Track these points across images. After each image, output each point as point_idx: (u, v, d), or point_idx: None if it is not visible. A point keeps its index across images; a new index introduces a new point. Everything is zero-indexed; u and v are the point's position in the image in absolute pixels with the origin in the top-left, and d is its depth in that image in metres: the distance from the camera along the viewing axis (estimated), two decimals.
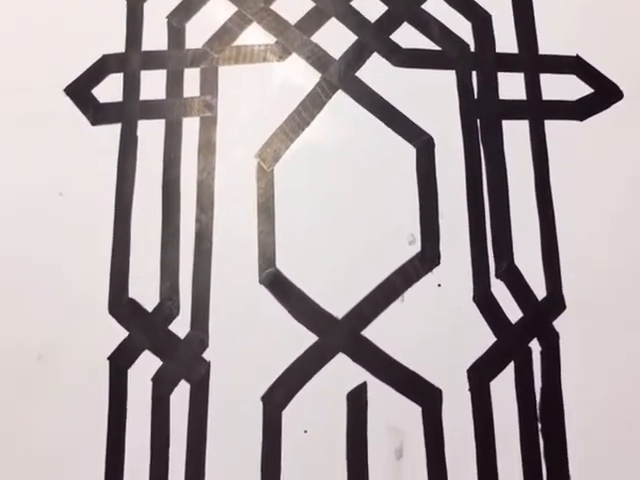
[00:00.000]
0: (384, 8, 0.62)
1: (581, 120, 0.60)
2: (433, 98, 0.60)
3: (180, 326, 0.56)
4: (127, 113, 0.60)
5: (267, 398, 0.54)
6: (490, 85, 0.61)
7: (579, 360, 0.55)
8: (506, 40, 0.62)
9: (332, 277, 0.56)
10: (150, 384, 0.55)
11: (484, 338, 0.55)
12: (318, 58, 0.61)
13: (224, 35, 0.62)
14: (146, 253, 0.57)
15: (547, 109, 0.60)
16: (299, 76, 0.61)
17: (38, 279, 0.57)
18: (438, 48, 0.61)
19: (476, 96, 0.60)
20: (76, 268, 0.57)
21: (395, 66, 0.61)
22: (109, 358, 0.55)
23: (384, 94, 0.60)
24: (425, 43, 0.62)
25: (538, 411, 0.54)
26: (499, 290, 0.56)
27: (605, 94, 0.61)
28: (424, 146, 0.59)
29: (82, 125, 0.60)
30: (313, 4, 0.62)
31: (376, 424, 0.53)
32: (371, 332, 0.55)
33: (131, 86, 0.61)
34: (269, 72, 0.61)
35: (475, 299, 0.56)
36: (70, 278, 0.57)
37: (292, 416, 0.54)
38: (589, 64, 0.61)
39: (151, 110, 0.60)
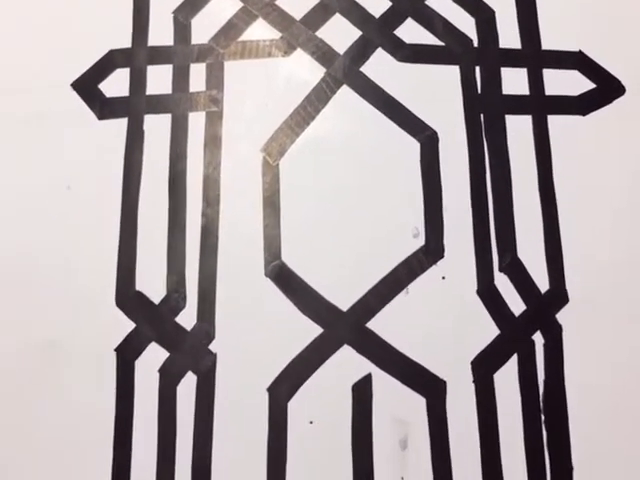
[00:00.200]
0: (388, 4, 0.63)
1: (584, 115, 0.60)
2: (437, 93, 0.61)
3: (187, 318, 0.56)
4: (134, 108, 0.61)
5: (273, 389, 0.54)
6: (493, 80, 0.61)
7: (582, 352, 0.55)
8: (509, 36, 0.62)
9: (337, 270, 0.57)
10: (157, 375, 0.55)
11: (488, 330, 0.56)
12: (323, 53, 0.61)
13: (230, 30, 0.62)
14: (153, 246, 0.58)
15: (550, 104, 0.61)
16: (304, 71, 0.61)
17: (46, 272, 0.57)
18: (442, 44, 0.62)
19: (480, 91, 0.61)
20: (84, 261, 0.57)
21: (399, 61, 0.61)
22: (116, 350, 0.55)
23: (388, 89, 0.60)
24: (429, 39, 0.62)
25: (541, 403, 0.54)
26: (502, 283, 0.57)
27: (607, 89, 0.61)
28: (428, 141, 0.59)
29: (89, 119, 0.61)
30: (318, 0, 0.63)
31: (381, 415, 0.54)
32: (376, 324, 0.56)
33: (138, 81, 0.61)
34: (274, 67, 0.62)
35: (479, 292, 0.56)
36: (78, 271, 0.57)
37: (298, 407, 0.54)
38: (592, 59, 0.62)
39: (157, 105, 0.61)
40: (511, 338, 0.56)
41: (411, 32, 0.62)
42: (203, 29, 0.62)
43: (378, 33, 0.62)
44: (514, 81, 0.61)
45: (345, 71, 0.61)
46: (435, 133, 0.60)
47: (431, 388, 0.54)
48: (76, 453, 0.54)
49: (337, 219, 0.58)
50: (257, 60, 0.62)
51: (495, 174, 0.59)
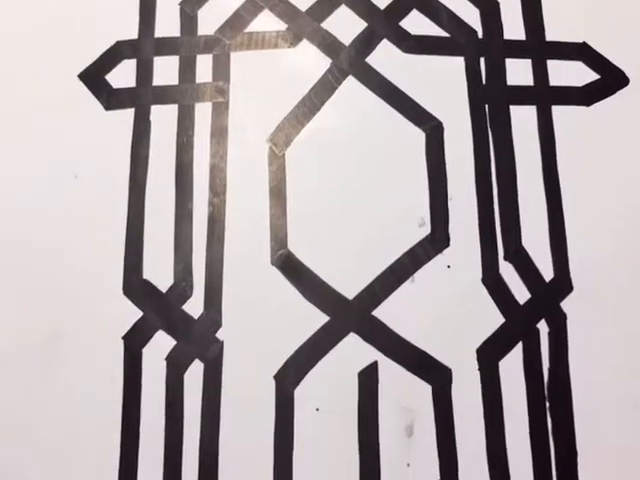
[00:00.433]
0: None
1: (588, 105, 0.61)
2: (442, 84, 0.61)
3: (194, 307, 0.57)
4: (140, 98, 0.61)
5: (280, 377, 0.55)
6: (498, 71, 0.62)
7: (586, 340, 0.56)
8: (514, 27, 0.63)
9: (343, 258, 0.57)
10: (164, 363, 0.55)
11: (493, 319, 0.56)
12: (329, 44, 0.62)
13: (236, 22, 0.63)
14: (160, 235, 0.58)
15: (554, 95, 0.61)
16: (310, 62, 0.62)
17: (54, 260, 0.58)
18: (447, 35, 0.62)
19: (484, 82, 0.61)
20: (91, 250, 0.58)
21: (404, 52, 0.62)
22: (124, 337, 0.56)
23: (394, 80, 0.61)
24: (434, 30, 0.62)
25: (546, 390, 0.55)
26: (507, 272, 0.57)
27: (611, 80, 0.62)
28: (433, 131, 0.60)
29: (96, 110, 0.61)
30: None
31: (387, 402, 0.54)
32: (382, 312, 0.56)
33: (144, 72, 0.62)
34: (280, 58, 0.62)
35: (484, 280, 0.57)
36: (85, 259, 0.57)
37: (304, 394, 0.54)
38: (595, 51, 0.62)
39: (164, 95, 0.61)
40: (516, 326, 0.56)
41: (416, 23, 0.62)
42: (209, 20, 0.63)
43: (383, 24, 0.62)
44: (518, 72, 0.62)
45: (351, 62, 0.61)
46: (440, 123, 0.60)
47: (437, 375, 0.55)
48: (84, 440, 0.54)
49: (343, 208, 0.58)
50: (263, 51, 0.62)
51: (500, 164, 0.59)
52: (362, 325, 0.56)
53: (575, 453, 0.54)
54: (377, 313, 0.56)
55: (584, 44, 0.62)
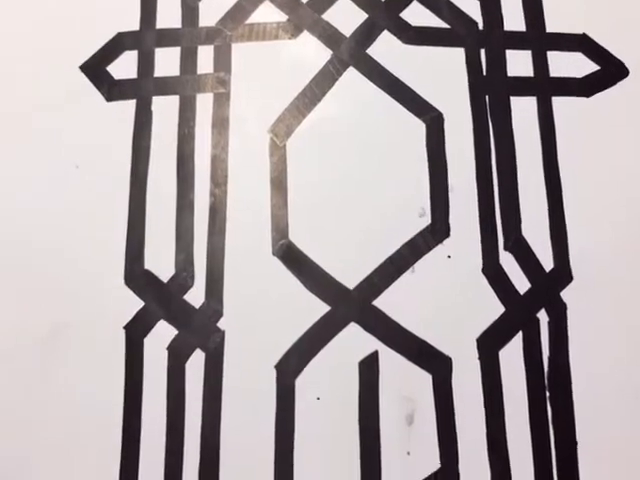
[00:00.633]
0: None
1: (588, 96, 0.61)
2: (442, 75, 0.61)
3: (195, 297, 0.57)
4: (142, 89, 0.61)
5: (281, 366, 0.55)
6: (498, 62, 0.62)
7: (586, 330, 0.56)
8: (514, 18, 0.63)
9: (344, 249, 0.57)
10: (166, 353, 0.56)
11: (493, 308, 0.56)
12: (329, 36, 0.62)
13: (237, 13, 0.63)
14: (161, 226, 0.58)
15: (554, 86, 0.61)
16: (311, 53, 0.62)
17: (55, 251, 0.58)
18: (447, 26, 0.62)
19: (485, 73, 0.61)
20: (93, 240, 0.58)
21: (405, 44, 0.62)
22: (125, 327, 0.56)
23: (394, 71, 0.61)
24: (434, 21, 0.63)
25: (546, 379, 0.55)
26: (507, 262, 0.57)
27: (611, 71, 0.62)
28: (434, 122, 0.60)
29: (97, 101, 0.61)
30: None
31: (387, 391, 0.54)
32: (382, 302, 0.56)
33: (146, 63, 0.62)
34: (281, 49, 0.62)
35: (484, 270, 0.57)
36: (87, 250, 0.58)
37: (305, 384, 0.55)
38: (595, 42, 0.62)
39: (165, 86, 0.61)
40: (516, 316, 0.56)
41: (417, 15, 0.63)
42: (210, 12, 0.63)
43: (384, 16, 0.63)
44: (519, 63, 0.62)
45: (351, 53, 0.62)
46: (441, 114, 0.60)
47: (437, 365, 0.55)
48: (85, 432, 0.54)
49: (344, 199, 0.59)
50: (264, 42, 0.62)
51: (500, 154, 0.59)
52: (363, 315, 0.56)
53: (575, 442, 0.54)
54: (378, 303, 0.56)
55: (584, 35, 0.63)
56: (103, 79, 0.62)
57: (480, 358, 0.55)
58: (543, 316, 0.56)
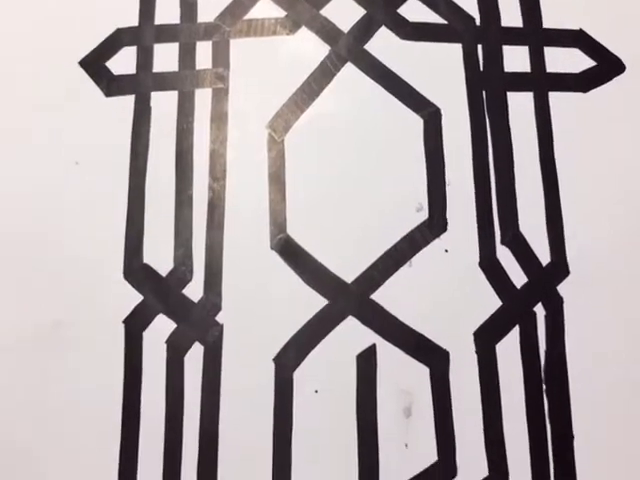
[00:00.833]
0: None
1: (584, 92, 0.61)
2: (440, 70, 0.62)
3: (193, 291, 0.57)
4: (141, 85, 0.62)
5: (279, 359, 0.55)
6: (495, 58, 0.62)
7: (582, 324, 0.56)
8: (511, 14, 0.63)
9: (342, 243, 0.58)
10: (164, 346, 0.56)
11: (490, 302, 0.57)
12: (327, 31, 0.62)
13: (235, 9, 0.63)
14: (160, 220, 0.58)
15: (551, 81, 0.62)
16: (309, 49, 0.62)
17: (55, 246, 0.58)
18: (444, 22, 0.63)
19: (482, 68, 0.62)
20: (92, 234, 0.58)
21: (403, 39, 0.62)
22: (124, 321, 0.56)
23: (392, 66, 0.61)
24: (432, 17, 0.63)
25: (542, 372, 0.55)
26: (504, 256, 0.58)
27: (607, 67, 0.62)
28: (431, 117, 0.60)
29: (96, 96, 0.62)
30: None
31: (385, 384, 0.55)
32: (380, 296, 0.57)
33: (144, 59, 0.62)
34: (280, 45, 0.63)
35: (481, 264, 0.57)
36: (86, 244, 0.58)
37: (303, 377, 0.55)
38: (592, 38, 0.63)
39: (164, 82, 0.62)
40: (513, 310, 0.57)
41: (414, 10, 0.63)
42: (209, 8, 0.63)
43: (382, 12, 0.63)
44: (516, 59, 0.62)
45: (349, 49, 0.62)
46: (438, 109, 0.60)
47: (434, 358, 0.55)
48: (85, 424, 0.55)
49: (341, 193, 0.59)
50: (262, 38, 0.63)
51: (497, 149, 0.60)
52: (361, 309, 0.56)
53: (571, 434, 0.54)
54: (375, 297, 0.57)
55: (581, 31, 0.63)
56: (102, 74, 0.62)
57: (477, 351, 0.56)
58: (540, 310, 0.56)
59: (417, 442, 0.54)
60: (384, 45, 0.62)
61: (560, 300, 0.57)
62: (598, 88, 0.62)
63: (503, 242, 0.58)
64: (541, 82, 0.61)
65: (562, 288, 0.57)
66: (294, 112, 0.61)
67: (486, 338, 0.56)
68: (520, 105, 0.61)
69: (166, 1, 0.64)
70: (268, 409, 0.54)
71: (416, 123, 0.60)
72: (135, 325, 0.56)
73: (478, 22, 0.63)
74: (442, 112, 0.60)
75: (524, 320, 0.56)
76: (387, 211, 0.59)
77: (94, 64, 0.62)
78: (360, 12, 0.63)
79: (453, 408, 0.54)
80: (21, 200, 0.59)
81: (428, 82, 0.61)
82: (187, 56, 0.62)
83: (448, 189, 0.59)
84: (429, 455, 0.54)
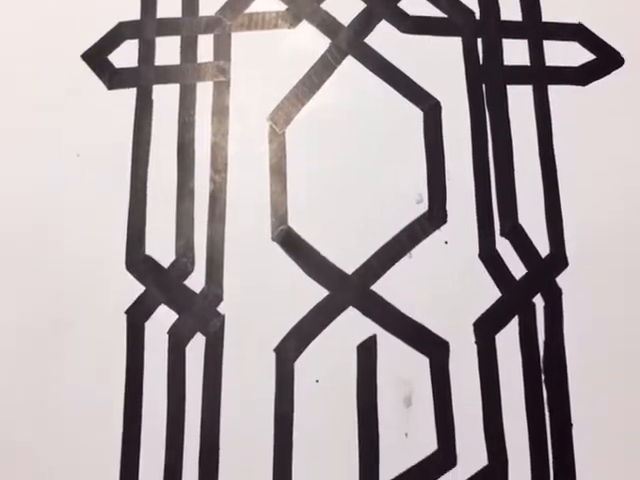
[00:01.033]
0: None
1: (584, 85, 0.62)
2: (440, 64, 0.62)
3: (195, 282, 0.58)
4: (142, 78, 0.62)
5: (280, 349, 0.56)
6: (495, 51, 0.63)
7: (581, 315, 0.57)
8: (510, 8, 0.64)
9: (342, 235, 0.58)
10: (166, 337, 0.56)
11: (489, 293, 0.57)
12: (328, 25, 0.63)
13: (236, 3, 0.64)
14: (162, 212, 0.59)
15: (550, 74, 0.62)
16: (309, 42, 0.63)
17: (58, 237, 0.58)
18: (444, 16, 0.63)
19: (481, 62, 0.62)
20: (95, 227, 0.58)
21: (403, 33, 0.63)
22: (126, 312, 0.57)
23: (392, 60, 0.62)
24: (432, 11, 0.63)
25: (541, 363, 0.56)
26: (504, 248, 0.58)
27: (607, 60, 0.62)
28: (431, 110, 0.61)
29: (98, 92, 0.62)
30: None
31: (385, 374, 0.55)
32: (380, 287, 0.57)
33: (146, 52, 0.63)
34: (280, 38, 0.63)
35: (480, 256, 0.58)
36: (89, 236, 0.58)
37: (304, 367, 0.55)
38: (591, 31, 0.63)
39: (166, 75, 0.62)
40: (512, 301, 0.57)
41: (414, 4, 0.63)
42: (210, 1, 0.64)
43: (382, 5, 0.63)
44: (515, 52, 0.62)
45: (350, 42, 0.62)
46: (438, 102, 0.61)
47: (434, 348, 0.56)
48: (86, 415, 0.55)
49: (342, 185, 0.59)
50: (263, 32, 0.63)
51: (497, 142, 0.60)
52: (361, 299, 0.57)
53: (570, 424, 0.55)
54: (376, 288, 0.57)
55: (580, 25, 0.63)
56: (104, 68, 0.62)
57: (477, 342, 0.56)
58: (539, 301, 0.57)
59: (417, 431, 0.54)
60: (384, 38, 0.62)
61: (559, 291, 0.57)
62: (597, 81, 0.62)
63: (502, 234, 0.58)
64: (540, 75, 0.62)
65: (561, 279, 0.57)
66: (295, 105, 0.61)
67: (486, 329, 0.56)
68: (519, 98, 0.61)
69: None
70: (269, 399, 0.55)
71: (416, 116, 0.61)
72: (137, 316, 0.57)
73: (478, 16, 0.63)
74: (442, 105, 0.61)
75: (523, 311, 0.57)
76: (387, 203, 0.59)
77: (96, 57, 0.63)
78: (360, 6, 0.63)
79: (453, 398, 0.55)
80: (21, 192, 0.60)
81: (428, 75, 0.61)
82: (189, 49, 0.63)
83: (448, 181, 0.59)
84: (429, 444, 0.54)
